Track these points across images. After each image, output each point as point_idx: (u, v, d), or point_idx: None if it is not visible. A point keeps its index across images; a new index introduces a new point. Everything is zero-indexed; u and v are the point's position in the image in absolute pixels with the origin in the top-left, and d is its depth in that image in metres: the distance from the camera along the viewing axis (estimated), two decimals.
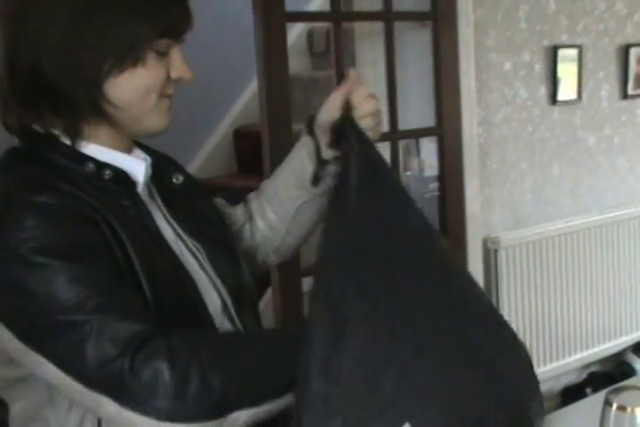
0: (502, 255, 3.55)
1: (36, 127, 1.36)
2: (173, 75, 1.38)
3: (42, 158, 1.34)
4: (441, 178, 3.48)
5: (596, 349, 3.95)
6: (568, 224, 3.80)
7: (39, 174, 1.31)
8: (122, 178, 1.39)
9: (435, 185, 3.51)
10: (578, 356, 3.89)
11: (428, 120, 3.43)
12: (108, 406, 1.21)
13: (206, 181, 4.49)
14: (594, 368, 4.05)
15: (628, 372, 3.98)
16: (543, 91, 3.73)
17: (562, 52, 3.74)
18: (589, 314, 3.92)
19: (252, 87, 4.45)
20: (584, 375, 4.02)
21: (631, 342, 4.08)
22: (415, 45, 3.46)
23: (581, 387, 3.95)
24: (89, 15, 1.29)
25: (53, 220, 1.25)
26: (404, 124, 3.30)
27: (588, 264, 3.88)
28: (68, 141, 1.36)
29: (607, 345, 3.99)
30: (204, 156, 4.69)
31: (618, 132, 4.06)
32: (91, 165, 1.35)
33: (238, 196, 1.81)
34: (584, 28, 3.86)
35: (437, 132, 3.45)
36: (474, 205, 3.52)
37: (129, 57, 1.31)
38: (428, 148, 3.53)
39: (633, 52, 4.04)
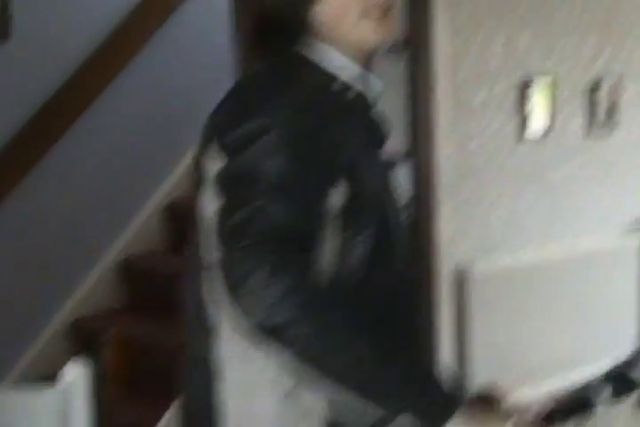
0: (472, 284, 3.58)
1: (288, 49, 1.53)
2: None
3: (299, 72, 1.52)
4: (414, 205, 3.51)
5: (565, 378, 3.97)
6: (537, 255, 3.84)
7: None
8: (361, 100, 1.55)
9: (406, 212, 3.53)
10: (546, 385, 3.91)
11: (402, 147, 3.47)
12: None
13: (179, 200, 4.45)
14: (562, 397, 4.07)
15: (594, 401, 3.99)
16: (515, 122, 3.78)
17: (534, 86, 3.79)
18: (558, 344, 3.95)
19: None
20: (552, 404, 4.03)
21: (600, 372, 4.10)
22: (390, 74, 3.50)
23: (550, 416, 3.96)
24: None
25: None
26: None
27: (556, 294, 3.91)
28: (316, 59, 1.52)
29: (576, 374, 4.01)
30: (180, 175, 4.57)
31: (587, 165, 4.11)
32: (337, 85, 1.52)
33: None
34: (556, 63, 3.93)
35: (412, 160, 3.49)
36: (446, 232, 3.56)
37: None
38: (401, 173, 3.56)
39: (603, 87, 4.10)
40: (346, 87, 1.53)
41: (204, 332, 1.52)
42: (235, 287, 1.34)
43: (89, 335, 3.92)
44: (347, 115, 1.51)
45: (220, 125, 1.48)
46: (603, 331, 4.16)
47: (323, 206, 1.42)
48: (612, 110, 4.17)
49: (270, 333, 1.33)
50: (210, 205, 1.44)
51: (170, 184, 4.50)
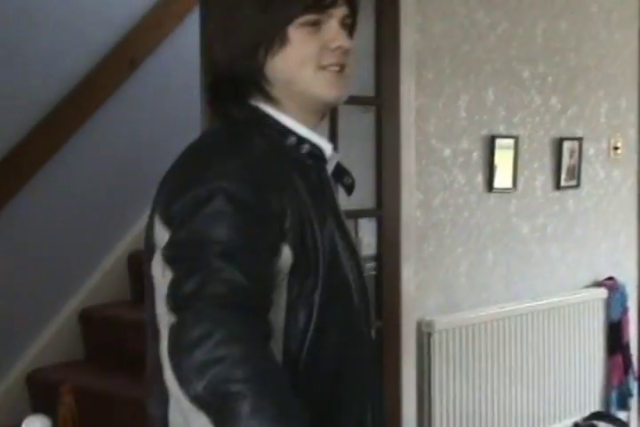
0: (436, 339, 3.57)
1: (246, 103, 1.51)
2: (332, 45, 1.48)
3: (255, 128, 1.49)
4: (378, 258, 3.52)
5: None
6: (501, 310, 3.85)
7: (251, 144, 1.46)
8: (316, 153, 1.52)
9: (371, 265, 3.54)
10: None
11: (369, 201, 3.49)
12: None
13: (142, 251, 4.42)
14: None
15: None
16: (480, 178, 3.82)
17: (499, 142, 3.85)
18: (520, 399, 3.94)
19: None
20: None
21: None
22: (358, 128, 3.54)
23: None
24: (233, 13, 1.49)
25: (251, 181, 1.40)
26: (344, 203, 3.34)
27: (519, 350, 3.92)
28: (272, 114, 1.50)
29: None
30: (142, 227, 4.54)
31: (550, 221, 4.16)
32: (293, 139, 1.50)
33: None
34: (521, 120, 3.99)
35: (376, 214, 3.50)
36: (409, 287, 3.56)
37: (275, 41, 1.46)
38: (367, 226, 3.57)
39: (566, 145, 4.18)
40: (300, 142, 1.51)
41: (159, 391, 1.46)
42: (180, 356, 1.29)
43: (46, 387, 3.86)
44: (298, 174, 1.48)
45: (164, 198, 1.45)
46: (569, 387, 4.17)
47: (272, 270, 1.38)
48: (575, 166, 4.23)
49: (210, 405, 1.27)
50: (159, 273, 1.41)
51: (132, 235, 4.48)
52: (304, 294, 1.42)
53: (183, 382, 1.29)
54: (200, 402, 1.28)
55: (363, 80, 3.47)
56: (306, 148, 1.51)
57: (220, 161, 1.41)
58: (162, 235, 1.42)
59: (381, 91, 3.46)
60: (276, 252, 1.39)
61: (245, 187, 1.37)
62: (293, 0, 1.46)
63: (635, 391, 4.51)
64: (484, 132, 3.83)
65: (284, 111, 1.51)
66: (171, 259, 1.37)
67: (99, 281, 4.33)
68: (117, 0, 4.37)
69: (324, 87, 1.49)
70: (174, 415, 1.44)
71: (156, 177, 4.85)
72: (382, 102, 3.47)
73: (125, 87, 4.37)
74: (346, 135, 3.42)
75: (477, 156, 3.80)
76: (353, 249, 1.56)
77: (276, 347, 1.39)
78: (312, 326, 1.42)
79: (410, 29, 3.51)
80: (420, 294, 3.62)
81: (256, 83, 1.49)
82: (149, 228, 1.49)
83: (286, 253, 1.40)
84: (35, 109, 4.07)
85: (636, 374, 4.54)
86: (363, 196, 3.50)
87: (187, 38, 4.34)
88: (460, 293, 3.78)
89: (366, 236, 3.59)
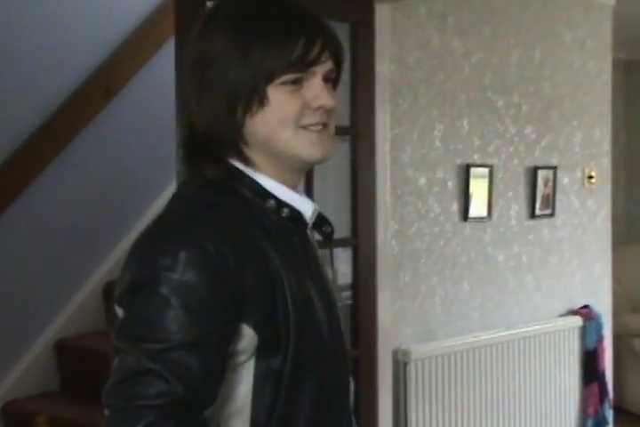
0: (412, 368, 3.57)
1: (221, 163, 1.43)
2: (314, 104, 1.41)
3: (231, 190, 1.43)
4: (354, 287, 3.52)
5: None
6: (476, 339, 3.85)
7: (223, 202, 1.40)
8: (296, 217, 1.46)
9: (347, 294, 3.54)
10: None
11: (344, 230, 3.49)
12: None
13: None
14: None
15: None
16: (455, 207, 3.84)
17: (474, 171, 3.87)
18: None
19: (172, 188, 4.38)
20: None
21: None
22: (333, 158, 3.53)
23: None
24: (208, 70, 1.40)
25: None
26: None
27: (495, 379, 3.92)
28: (250, 175, 1.43)
29: None
30: (118, 257, 4.51)
31: (525, 250, 4.17)
32: (272, 202, 1.44)
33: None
34: (495, 149, 4.02)
35: (352, 243, 3.50)
36: (385, 316, 3.56)
37: (254, 101, 1.38)
38: (342, 255, 3.58)
39: (541, 174, 4.20)
40: (280, 206, 1.45)
41: None
42: None
43: (22, 418, 3.82)
44: (275, 237, 1.41)
45: (121, 271, 1.37)
46: (545, 416, 4.17)
47: (220, 362, 1.33)
48: (550, 195, 4.26)
49: None
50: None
51: (108, 265, 4.46)
52: (272, 368, 1.37)
53: None
54: None
55: (338, 109, 3.47)
56: (286, 212, 1.45)
57: (176, 242, 1.32)
58: (116, 315, 1.38)
59: (357, 120, 3.47)
60: (231, 337, 1.33)
61: (197, 272, 1.29)
62: (273, 57, 1.38)
63: (610, 420, 4.51)
64: (459, 161, 3.85)
65: (263, 172, 1.44)
66: (114, 348, 1.34)
67: (74, 311, 4.30)
68: (93, 29, 4.37)
69: (306, 148, 1.42)
70: None
71: (132, 207, 4.86)
72: (358, 132, 3.48)
73: (101, 117, 4.37)
74: (321, 164, 3.42)
75: (452, 185, 3.82)
76: (331, 300, 1.52)
77: (243, 419, 1.37)
78: (280, 400, 1.38)
79: (385, 59, 3.53)
80: (396, 324, 3.61)
81: (233, 143, 1.42)
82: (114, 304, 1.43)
83: (248, 333, 1.34)
84: (8, 140, 4.06)
85: (612, 403, 4.55)
86: (338, 225, 3.48)
87: (163, 67, 4.35)
88: (436, 322, 3.78)
89: (342, 265, 3.59)
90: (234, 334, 1.34)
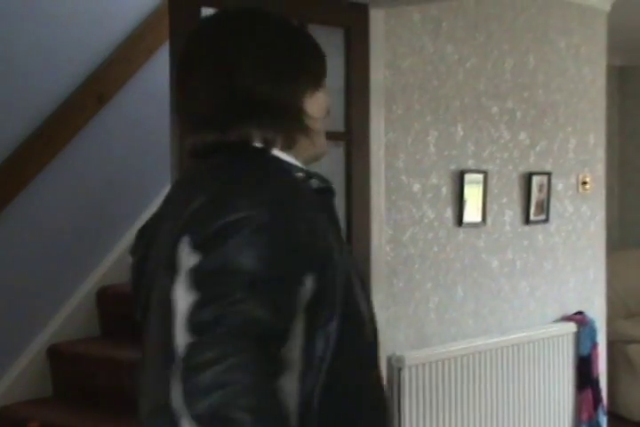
0: (406, 374, 3.57)
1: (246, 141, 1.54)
2: (328, 108, 1.64)
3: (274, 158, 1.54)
4: None
5: None
6: (470, 345, 3.85)
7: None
8: (325, 187, 1.57)
9: None
10: None
11: None
12: None
13: (112, 287, 4.40)
14: None
15: None
16: (449, 213, 3.84)
17: (468, 177, 3.87)
18: None
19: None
20: None
21: None
22: (327, 163, 3.54)
23: None
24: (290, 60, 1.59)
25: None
26: None
27: (489, 384, 3.91)
28: (276, 154, 1.54)
29: None
30: (111, 262, 4.52)
31: (520, 256, 4.18)
32: (301, 174, 1.53)
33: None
34: (489, 155, 4.02)
35: None
36: (379, 322, 3.53)
37: (319, 83, 1.60)
38: None
39: (535, 179, 4.20)
40: (309, 177, 1.55)
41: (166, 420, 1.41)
42: (190, 373, 1.30)
43: (14, 425, 3.80)
44: (320, 207, 1.51)
45: (196, 221, 1.43)
46: (539, 421, 4.16)
47: (295, 302, 1.41)
48: (544, 201, 4.26)
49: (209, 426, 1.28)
50: (182, 296, 1.40)
51: (101, 270, 4.45)
52: (321, 323, 1.44)
53: (187, 399, 1.29)
54: (200, 422, 1.29)
55: (332, 115, 3.47)
56: (316, 182, 1.54)
57: (254, 190, 1.44)
58: (188, 258, 1.41)
59: (351, 126, 3.47)
60: (302, 283, 1.41)
61: (278, 217, 1.40)
62: (324, 62, 1.64)
63: (604, 426, 4.51)
64: (454, 167, 3.85)
65: (287, 152, 1.56)
66: (197, 283, 1.37)
67: (67, 317, 4.29)
68: (86, 35, 4.37)
69: (324, 141, 1.62)
70: None
71: (125, 213, 4.87)
72: (352, 138, 3.48)
73: (93, 123, 4.36)
74: (315, 170, 3.42)
75: (447, 191, 3.82)
76: (362, 281, 1.60)
77: (293, 375, 1.42)
78: (329, 355, 1.44)
79: (379, 65, 3.53)
80: (390, 329, 3.61)
81: (293, 117, 1.55)
82: (172, 249, 1.45)
83: (308, 285, 1.42)
84: (1, 146, 4.05)
85: (606, 409, 4.55)
86: None
87: (156, 74, 4.35)
88: (430, 328, 3.78)
89: None
90: (303, 281, 1.42)
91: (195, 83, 1.55)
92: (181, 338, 1.36)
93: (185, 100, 1.58)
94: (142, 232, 1.66)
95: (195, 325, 1.35)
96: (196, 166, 1.60)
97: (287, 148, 1.55)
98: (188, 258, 1.41)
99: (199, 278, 1.38)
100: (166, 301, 1.44)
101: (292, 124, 1.55)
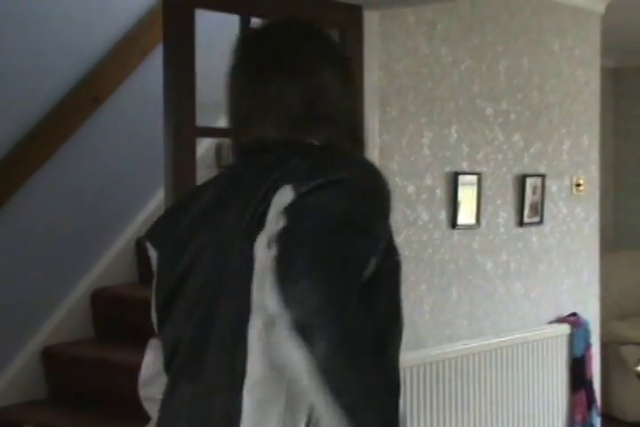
0: (400, 375, 3.55)
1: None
2: None
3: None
4: None
5: None
6: (465, 346, 3.85)
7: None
8: None
9: None
10: None
11: None
12: None
13: (106, 289, 4.41)
14: None
15: None
16: (444, 214, 3.84)
17: (462, 179, 3.87)
18: None
19: (159, 196, 4.38)
20: None
21: None
22: None
23: None
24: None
25: None
26: None
27: (483, 386, 3.91)
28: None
29: None
30: (105, 264, 4.52)
31: (514, 258, 4.18)
32: None
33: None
34: (484, 157, 4.02)
35: None
36: None
37: None
38: None
39: (529, 181, 4.21)
40: None
41: (230, 379, 1.51)
42: (295, 278, 1.39)
43: None
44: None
45: (289, 177, 1.53)
46: (533, 423, 4.16)
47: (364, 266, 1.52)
48: (538, 203, 4.26)
49: (302, 333, 1.37)
50: (262, 248, 1.48)
51: (96, 271, 4.44)
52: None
53: (292, 303, 1.37)
54: (301, 324, 1.37)
55: None
56: None
57: (348, 163, 1.58)
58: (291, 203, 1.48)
59: None
60: (369, 261, 1.53)
61: (367, 180, 1.56)
62: None
63: None
64: (448, 168, 3.85)
65: None
66: (298, 216, 1.47)
67: (62, 319, 4.28)
68: (80, 37, 4.36)
69: None
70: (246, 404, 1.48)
71: (119, 214, 4.86)
72: None
73: (88, 125, 4.36)
74: None
75: (441, 192, 3.82)
76: None
77: None
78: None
79: (374, 67, 3.53)
80: None
81: (362, 126, 1.77)
82: (261, 208, 1.52)
83: (372, 264, 1.53)
84: None
85: (600, 410, 4.55)
86: None
87: (150, 76, 4.35)
88: (424, 329, 3.78)
89: None
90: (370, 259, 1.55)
91: (280, 84, 1.66)
92: (267, 296, 1.42)
93: (261, 99, 1.67)
94: (166, 226, 1.74)
95: (303, 253, 1.42)
96: (251, 160, 1.67)
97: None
98: (289, 202, 1.50)
99: (302, 213, 1.47)
100: (247, 258, 1.51)
101: (361, 134, 1.74)
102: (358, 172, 1.56)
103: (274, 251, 1.43)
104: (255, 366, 1.49)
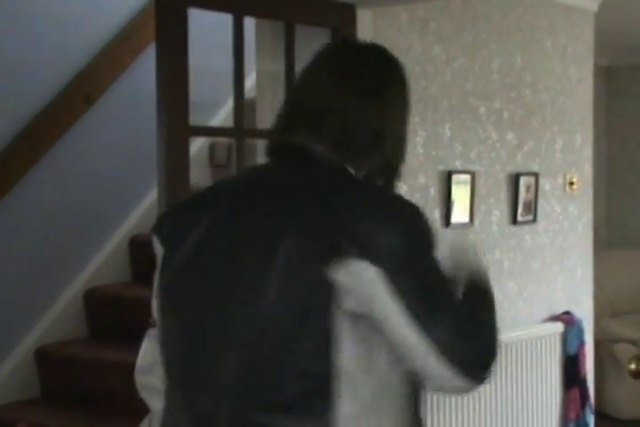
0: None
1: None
2: None
3: None
4: None
5: None
6: None
7: None
8: None
9: None
10: None
11: None
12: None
13: (99, 288, 4.42)
14: None
15: None
16: (437, 213, 3.84)
17: (456, 177, 3.87)
18: None
19: (152, 195, 4.39)
20: None
21: None
22: None
23: None
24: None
25: None
26: None
27: None
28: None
29: None
30: (99, 263, 4.54)
31: (507, 256, 4.18)
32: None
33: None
34: (477, 156, 4.02)
35: None
36: None
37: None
38: None
39: (522, 180, 4.21)
40: None
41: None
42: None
43: (2, 426, 3.79)
44: None
45: (364, 222, 1.58)
46: (526, 421, 4.17)
47: None
48: (532, 202, 4.27)
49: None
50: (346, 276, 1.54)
51: (89, 271, 4.44)
52: None
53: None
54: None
55: None
56: None
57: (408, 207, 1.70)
58: (351, 270, 1.52)
59: None
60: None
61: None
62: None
63: (591, 424, 4.52)
64: (441, 167, 3.85)
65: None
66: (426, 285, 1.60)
67: (55, 319, 4.28)
68: (72, 36, 4.36)
69: None
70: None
71: (112, 213, 4.85)
72: None
73: (80, 124, 4.35)
74: None
75: (434, 191, 3.82)
76: None
77: None
78: None
79: None
80: None
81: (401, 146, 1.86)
82: (328, 233, 1.55)
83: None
84: None
85: (593, 408, 4.56)
86: None
87: (143, 75, 4.35)
88: None
89: None
90: None
91: (356, 104, 1.71)
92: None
93: (333, 111, 1.70)
94: (179, 223, 1.73)
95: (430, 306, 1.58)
96: (288, 169, 1.70)
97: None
98: (356, 268, 1.54)
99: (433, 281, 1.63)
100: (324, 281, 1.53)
101: (401, 168, 1.87)
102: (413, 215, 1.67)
103: (392, 289, 1.53)
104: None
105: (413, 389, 1.66)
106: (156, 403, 1.77)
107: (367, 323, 1.55)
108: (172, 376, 1.69)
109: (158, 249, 1.75)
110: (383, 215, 1.59)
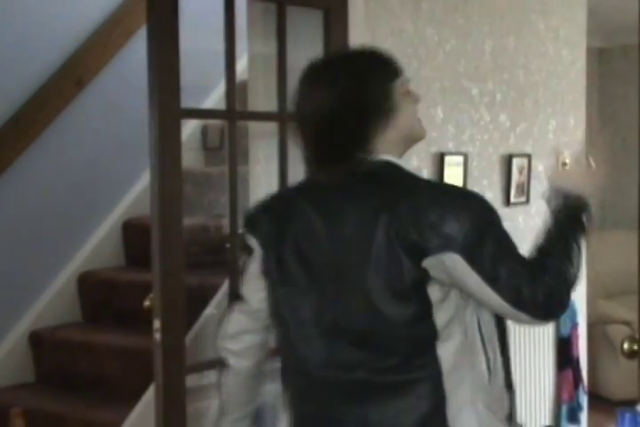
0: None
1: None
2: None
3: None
4: None
5: None
6: None
7: None
8: None
9: None
10: None
11: None
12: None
13: (93, 272, 4.42)
14: None
15: None
16: None
17: (448, 159, 3.87)
18: None
19: (145, 179, 4.39)
20: None
21: None
22: None
23: None
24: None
25: None
26: None
27: None
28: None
29: None
30: (92, 247, 4.54)
31: None
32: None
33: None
34: (470, 137, 4.02)
35: None
36: None
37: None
38: None
39: (515, 161, 4.21)
40: None
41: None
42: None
43: None
44: None
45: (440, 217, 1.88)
46: (520, 401, 4.17)
47: None
48: (525, 183, 4.27)
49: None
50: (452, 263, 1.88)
51: (82, 255, 4.44)
52: None
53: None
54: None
55: None
56: None
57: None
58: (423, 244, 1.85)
59: None
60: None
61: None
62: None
63: (584, 405, 4.54)
64: (434, 149, 3.84)
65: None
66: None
67: (49, 303, 4.28)
68: (63, 20, 4.33)
69: (422, 133, 2.23)
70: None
71: (104, 198, 4.85)
72: None
73: (72, 107, 4.34)
74: (295, 152, 3.41)
75: (427, 173, 3.82)
76: None
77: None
78: None
79: (358, 47, 3.51)
80: None
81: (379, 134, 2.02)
82: (410, 227, 1.85)
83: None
84: None
85: (586, 389, 4.58)
86: None
87: (134, 58, 4.33)
88: None
89: None
90: None
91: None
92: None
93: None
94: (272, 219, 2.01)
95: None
96: (344, 172, 1.95)
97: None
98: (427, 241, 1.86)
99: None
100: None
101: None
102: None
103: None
104: None
105: (498, 332, 1.99)
106: (241, 362, 2.12)
107: (454, 290, 1.90)
108: (288, 339, 2.01)
109: (254, 244, 2.03)
110: (453, 208, 1.89)
